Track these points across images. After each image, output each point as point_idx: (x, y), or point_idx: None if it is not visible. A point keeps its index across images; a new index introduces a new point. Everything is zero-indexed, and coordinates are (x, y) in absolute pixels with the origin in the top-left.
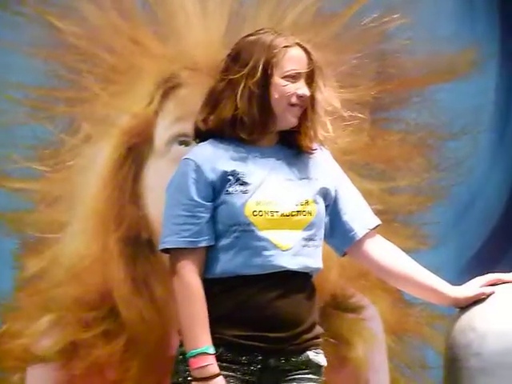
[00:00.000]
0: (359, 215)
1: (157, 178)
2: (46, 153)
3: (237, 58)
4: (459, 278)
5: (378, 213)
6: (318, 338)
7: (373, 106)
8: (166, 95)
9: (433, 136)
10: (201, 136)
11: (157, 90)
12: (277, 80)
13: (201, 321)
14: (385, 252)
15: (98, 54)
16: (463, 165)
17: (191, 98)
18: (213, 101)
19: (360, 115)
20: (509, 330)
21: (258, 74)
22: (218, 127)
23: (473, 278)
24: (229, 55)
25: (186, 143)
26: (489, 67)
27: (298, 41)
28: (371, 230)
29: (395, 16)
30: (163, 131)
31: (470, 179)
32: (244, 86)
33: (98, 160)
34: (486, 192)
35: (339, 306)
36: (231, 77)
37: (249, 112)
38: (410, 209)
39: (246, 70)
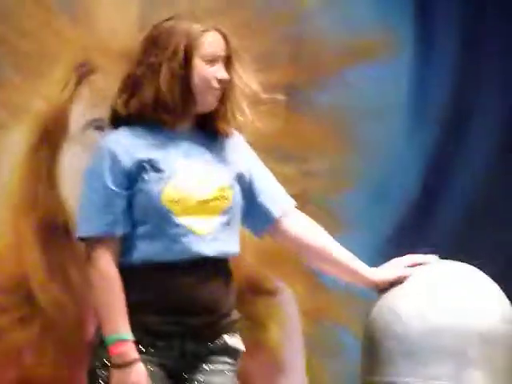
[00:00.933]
0: (274, 196)
1: (72, 163)
2: None
3: (155, 41)
4: (374, 262)
5: (293, 196)
6: (236, 323)
7: (288, 88)
8: (80, 80)
9: (347, 119)
10: (118, 121)
11: (71, 75)
12: (197, 63)
13: (118, 308)
14: (304, 230)
15: (10, 39)
16: (377, 148)
17: (105, 83)
18: (131, 85)
19: (278, 97)
20: (427, 312)
21: (179, 57)
22: (139, 111)
23: (387, 261)
24: (146, 39)
25: (101, 128)
26: (404, 51)
27: (215, 25)
28: (287, 210)
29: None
30: (78, 116)
31: (384, 163)
32: (166, 69)
33: (12, 146)
34: (400, 176)
35: (254, 289)
36: (151, 60)
37: (171, 95)
38: (325, 192)
39: (166, 54)
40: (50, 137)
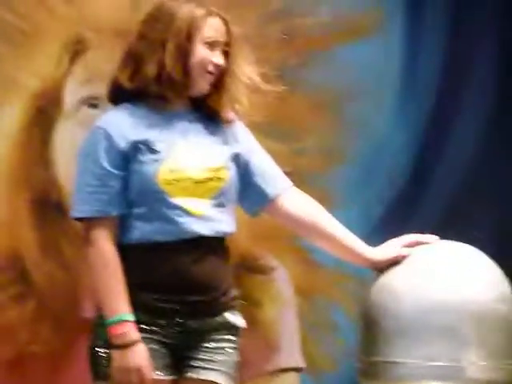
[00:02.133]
0: (270, 177)
1: (66, 140)
2: None
3: (160, 18)
4: (366, 239)
5: (285, 174)
6: (235, 299)
7: (278, 66)
8: (73, 58)
9: (338, 96)
10: (119, 96)
11: (64, 52)
12: (197, 45)
13: (118, 288)
14: (301, 208)
15: (4, 17)
16: (368, 125)
17: (98, 60)
18: (134, 59)
19: (277, 88)
20: (424, 292)
21: (182, 36)
22: (143, 85)
23: (380, 239)
24: (150, 15)
25: (94, 106)
26: (393, 27)
27: (218, 11)
28: (283, 189)
29: None
30: (72, 94)
31: (375, 139)
32: (171, 46)
33: (6, 123)
34: (391, 152)
35: (248, 267)
36: (154, 36)
37: (174, 71)
38: (317, 169)
39: (171, 31)
40: (44, 114)
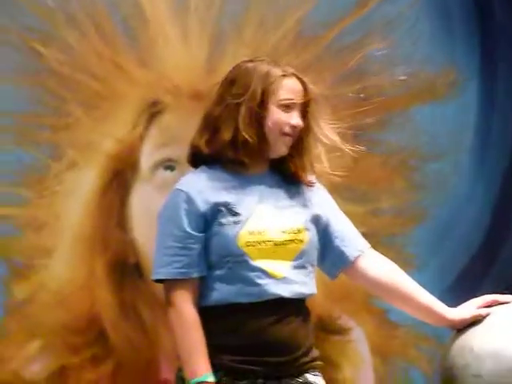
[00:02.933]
0: (349, 239)
1: (143, 202)
2: (31, 179)
3: (235, 82)
4: (442, 299)
5: (362, 235)
6: (316, 360)
7: (355, 128)
8: (149, 120)
9: (414, 157)
10: (200, 159)
11: (140, 115)
12: (272, 108)
13: (199, 349)
14: (380, 270)
15: (82, 80)
16: (445, 186)
17: (175, 122)
18: (211, 124)
19: (359, 147)
20: (506, 351)
21: (257, 99)
22: (220, 150)
23: (456, 298)
24: (226, 79)
25: (171, 168)
26: (469, 88)
27: (294, 71)
28: (362, 251)
29: (374, 38)
30: (148, 156)
31: (452, 200)
32: (244, 111)
33: (83, 185)
34: (468, 212)
35: (326, 328)
36: (230, 100)
37: (248, 136)
38: (393, 230)
39: (245, 95)
40: (120, 176)
